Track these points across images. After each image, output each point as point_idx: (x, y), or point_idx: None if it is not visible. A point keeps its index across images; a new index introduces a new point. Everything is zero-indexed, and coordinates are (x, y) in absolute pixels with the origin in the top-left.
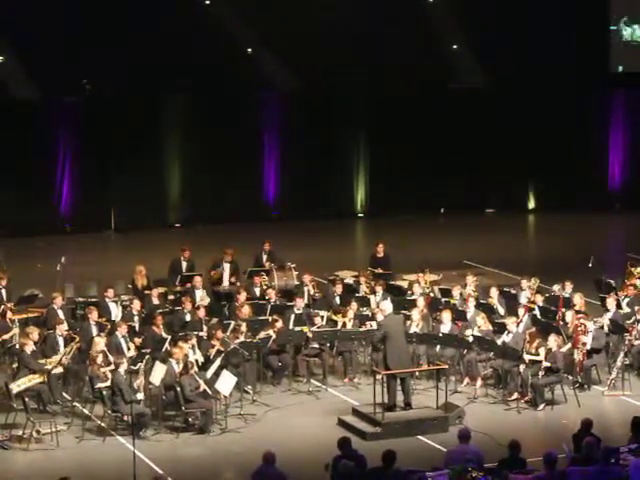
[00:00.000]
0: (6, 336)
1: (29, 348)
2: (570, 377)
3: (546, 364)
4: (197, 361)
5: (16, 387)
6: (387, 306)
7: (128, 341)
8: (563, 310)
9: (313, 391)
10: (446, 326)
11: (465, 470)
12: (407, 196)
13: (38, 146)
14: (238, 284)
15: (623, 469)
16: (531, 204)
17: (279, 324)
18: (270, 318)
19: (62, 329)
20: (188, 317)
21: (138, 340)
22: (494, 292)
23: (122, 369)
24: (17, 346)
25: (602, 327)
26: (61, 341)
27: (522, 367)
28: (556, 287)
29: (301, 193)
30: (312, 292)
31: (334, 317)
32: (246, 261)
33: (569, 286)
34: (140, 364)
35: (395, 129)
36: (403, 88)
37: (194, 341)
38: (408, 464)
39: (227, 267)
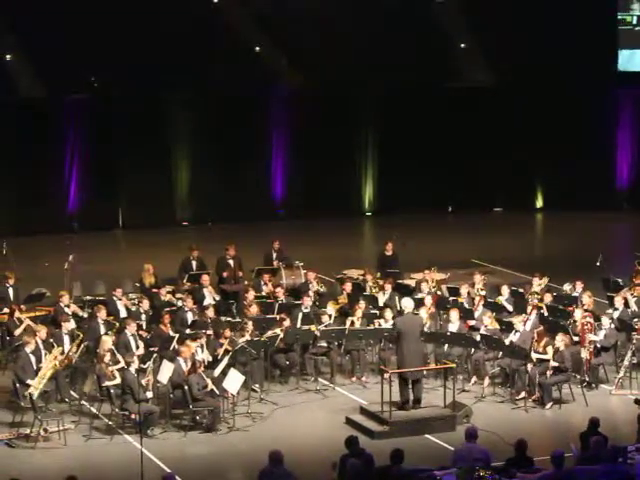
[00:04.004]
0: (17, 331)
1: (30, 347)
2: (578, 376)
3: (554, 363)
4: (204, 360)
5: (35, 390)
6: (408, 304)
7: (137, 339)
8: (574, 307)
9: (321, 390)
10: (454, 325)
11: (473, 469)
12: (415, 195)
13: (46, 144)
14: (246, 282)
15: (630, 468)
16: (539, 203)
17: (287, 323)
18: (278, 317)
19: (68, 327)
20: (189, 315)
21: (145, 333)
22: (505, 290)
23: (133, 368)
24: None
25: (610, 325)
26: (67, 339)
27: (530, 366)
28: (567, 286)
29: (309, 191)
30: (316, 288)
31: (333, 306)
32: (254, 259)
33: (579, 285)
34: (149, 362)
35: (403, 128)
36: (411, 87)
37: (203, 340)
38: (416, 463)
39: (232, 263)
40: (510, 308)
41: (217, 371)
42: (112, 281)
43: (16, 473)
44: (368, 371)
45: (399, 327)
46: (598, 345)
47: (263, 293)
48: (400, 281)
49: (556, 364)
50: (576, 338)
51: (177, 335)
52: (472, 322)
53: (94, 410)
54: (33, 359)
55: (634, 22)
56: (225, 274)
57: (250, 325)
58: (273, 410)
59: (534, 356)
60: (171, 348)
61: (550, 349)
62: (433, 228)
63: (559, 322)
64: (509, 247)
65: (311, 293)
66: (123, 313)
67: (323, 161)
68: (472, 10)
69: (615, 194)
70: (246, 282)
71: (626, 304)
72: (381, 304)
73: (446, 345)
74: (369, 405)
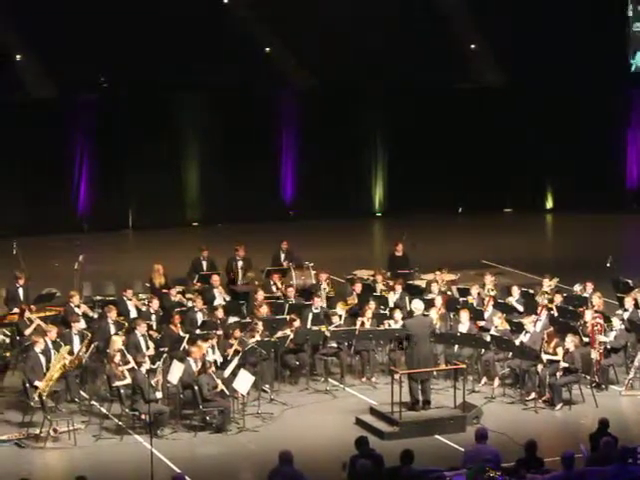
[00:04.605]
0: (27, 331)
1: (39, 347)
2: (588, 377)
3: (564, 364)
4: (216, 362)
5: (42, 392)
6: (418, 306)
7: (147, 339)
8: (584, 308)
9: (331, 390)
10: (464, 326)
11: (483, 470)
12: (425, 195)
13: (55, 145)
14: (256, 283)
15: None
16: (549, 204)
17: (297, 323)
18: (288, 317)
19: (78, 327)
20: (199, 315)
21: (155, 333)
22: (516, 291)
23: (144, 368)
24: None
25: (620, 326)
26: (77, 339)
27: (540, 367)
28: (577, 287)
29: (319, 192)
30: (327, 290)
31: (343, 306)
32: (264, 260)
33: (590, 286)
34: (159, 363)
35: (413, 128)
36: (420, 87)
37: (214, 341)
38: (426, 463)
39: (240, 264)
40: (520, 309)
41: (227, 371)
42: (122, 281)
43: (26, 473)
44: (378, 372)
45: (409, 329)
46: (608, 346)
47: (274, 293)
48: (410, 282)
49: (566, 365)
50: (586, 339)
51: (187, 335)
52: (482, 323)
53: (104, 410)
54: (43, 359)
55: None
56: (231, 275)
57: (260, 325)
58: (283, 410)
59: (544, 357)
60: (181, 348)
61: (560, 350)
62: (443, 229)
63: (569, 323)
64: (519, 248)
65: (323, 294)
66: (133, 313)
67: (333, 161)
68: (482, 10)
69: (625, 194)
70: (256, 282)
71: (636, 305)
72: (391, 305)
73: (456, 346)
74: (379, 406)
